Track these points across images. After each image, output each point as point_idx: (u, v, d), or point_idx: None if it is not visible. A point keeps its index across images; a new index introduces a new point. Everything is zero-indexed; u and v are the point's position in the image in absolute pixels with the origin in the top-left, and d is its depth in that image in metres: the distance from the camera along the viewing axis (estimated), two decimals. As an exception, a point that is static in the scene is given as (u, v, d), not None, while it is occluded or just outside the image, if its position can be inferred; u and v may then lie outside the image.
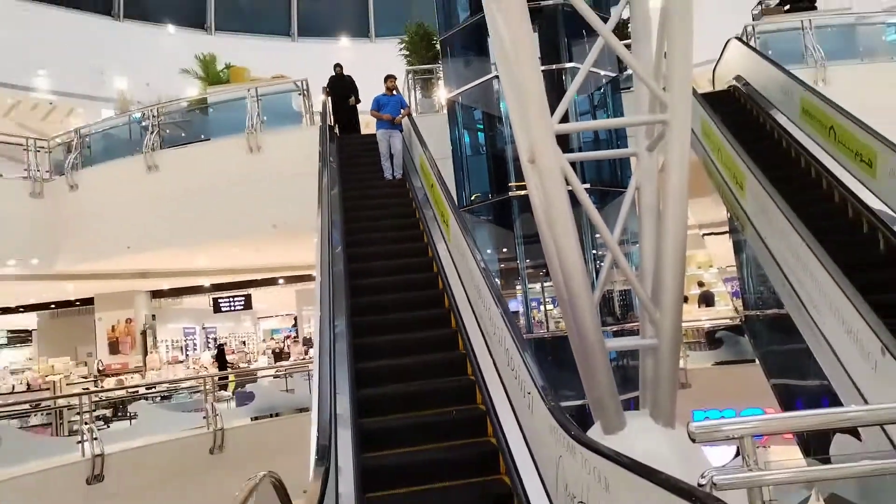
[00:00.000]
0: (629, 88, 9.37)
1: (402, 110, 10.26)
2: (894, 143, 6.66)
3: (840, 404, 5.19)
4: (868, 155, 6.88)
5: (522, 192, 9.02)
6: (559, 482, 3.58)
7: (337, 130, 11.85)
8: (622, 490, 2.74)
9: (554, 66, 9.37)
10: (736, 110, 10.13)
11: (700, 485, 2.24)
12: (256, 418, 10.28)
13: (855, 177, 7.38)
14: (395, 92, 10.51)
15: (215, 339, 23.08)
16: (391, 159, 9.96)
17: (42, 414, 10.94)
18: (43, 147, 13.01)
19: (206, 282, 18.77)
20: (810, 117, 8.29)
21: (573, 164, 5.33)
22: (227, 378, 13.45)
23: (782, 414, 5.63)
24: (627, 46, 5.59)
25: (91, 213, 12.33)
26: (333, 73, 12.06)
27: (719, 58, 11.70)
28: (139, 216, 12.00)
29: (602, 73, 9.78)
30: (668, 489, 2.29)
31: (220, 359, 17.25)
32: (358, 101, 12.05)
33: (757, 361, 9.43)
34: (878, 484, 3.21)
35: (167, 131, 12.44)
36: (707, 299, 15.91)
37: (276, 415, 10.37)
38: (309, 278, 18.41)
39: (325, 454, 3.27)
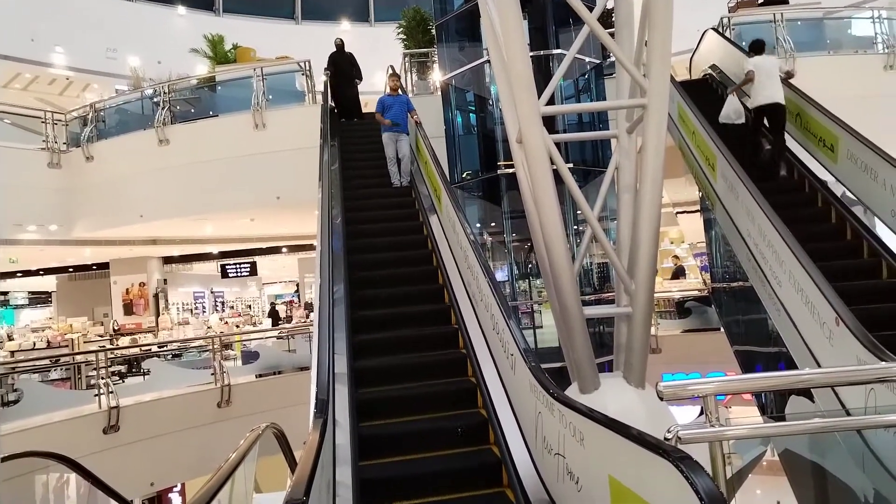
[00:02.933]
0: (612, 74, 9.30)
1: (409, 114, 9.11)
2: (855, 130, 6.67)
3: (797, 369, 5.27)
4: (830, 140, 6.88)
5: (510, 171, 9.01)
6: (538, 436, 3.63)
7: (334, 107, 11.03)
8: (595, 443, 2.78)
9: (542, 52, 9.29)
10: (710, 97, 10.08)
11: (666, 439, 2.28)
12: (261, 376, 10.33)
13: (818, 160, 7.40)
14: (399, 92, 9.28)
15: (223, 303, 23.09)
16: (398, 164, 8.85)
17: (61, 369, 10.95)
18: (60, 120, 12.85)
19: (213, 249, 18.70)
20: (779, 105, 8.25)
21: (558, 145, 5.32)
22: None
23: (742, 376, 5.70)
24: (611, 35, 5.54)
25: (106, 183, 12.22)
26: (335, 49, 11.28)
27: (696, 47, 11.60)
28: (151, 187, 11.91)
29: (587, 59, 9.70)
30: (637, 443, 2.32)
31: (273, 315, 18.35)
32: (360, 79, 11.33)
33: (722, 329, 9.54)
34: (828, 441, 3.27)
35: (178, 107, 12.28)
36: (681, 272, 16.03)
37: (279, 373, 10.42)
38: (310, 247, 18.38)
39: (324, 407, 3.30)
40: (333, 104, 11.06)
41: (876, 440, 3.02)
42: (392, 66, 11.39)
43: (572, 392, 5.05)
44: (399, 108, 8.97)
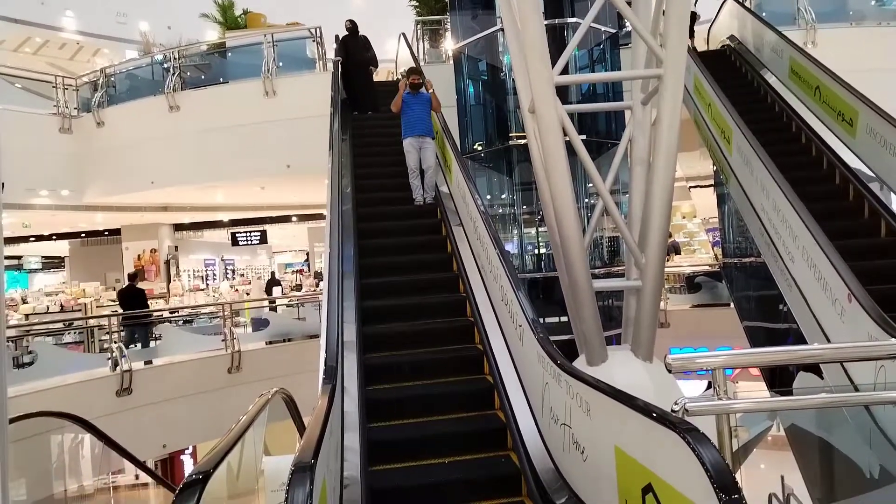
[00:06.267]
0: (628, 45, 9.14)
1: (432, 110, 7.74)
2: (875, 104, 6.54)
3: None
4: (849, 114, 6.75)
5: (522, 141, 8.93)
6: (545, 406, 3.66)
7: (344, 94, 9.67)
8: (602, 414, 2.80)
9: (556, 21, 9.12)
10: (728, 68, 9.91)
11: (673, 411, 2.29)
12: (271, 343, 10.45)
13: (836, 136, 7.28)
14: (422, 90, 7.69)
15: (234, 271, 23.25)
16: (421, 176, 7.47)
17: (75, 332, 11.11)
18: (71, 85, 12.83)
19: (224, 217, 18.77)
20: (798, 77, 8.11)
21: (571, 116, 5.25)
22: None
23: (751, 350, 5.70)
24: (628, 3, 5.43)
25: (117, 149, 12.24)
26: (346, 32, 10.14)
27: (715, 17, 11.37)
28: (162, 153, 11.92)
29: (602, 28, 9.52)
30: (644, 414, 2.34)
31: (270, 285, 17.85)
32: (375, 66, 10.34)
33: (732, 305, 9.52)
34: (835, 417, 3.28)
35: (188, 73, 12.22)
36: (674, 249, 15.92)
37: (289, 340, 10.52)
38: (320, 216, 18.41)
39: (332, 374, 3.34)
40: (345, 94, 9.82)
41: (884, 416, 3.02)
42: (404, 34, 11.21)
43: (580, 364, 5.07)
44: (421, 108, 7.57)
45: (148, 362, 8.90)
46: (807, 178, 6.97)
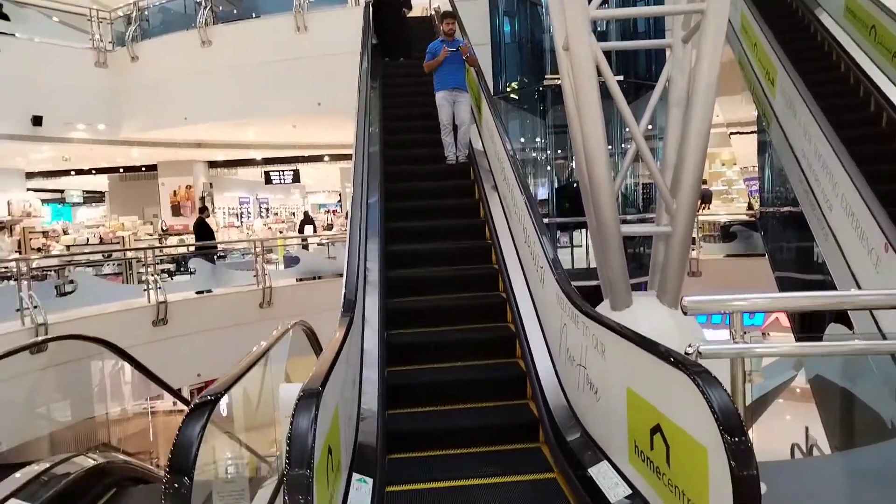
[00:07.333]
0: (672, -21, 8.69)
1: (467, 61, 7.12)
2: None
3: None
4: (906, 56, 6.37)
5: (557, 82, 8.66)
6: (562, 347, 3.67)
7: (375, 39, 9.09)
8: (616, 355, 2.79)
9: (597, -48, 8.68)
10: (778, 7, 9.37)
11: (687, 353, 2.26)
12: (301, 280, 10.63)
13: (891, 79, 6.88)
14: (455, 37, 7.25)
15: (268, 209, 23.56)
16: (455, 132, 7.00)
17: (114, 264, 11.47)
18: (105, 18, 12.83)
19: (257, 155, 18.88)
20: (853, 16, 7.63)
21: (608, 55, 5.04)
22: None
23: (774, 294, 5.56)
24: (672, -70, 5.13)
25: (151, 84, 12.31)
26: None
27: (769, -49, 10.68)
28: (194, 89, 11.95)
29: (646, -39, 9.07)
30: (655, 355, 2.31)
31: (305, 223, 18.31)
32: (409, 7, 9.70)
33: (766, 256, 9.31)
34: (860, 367, 3.21)
35: (220, 7, 12.09)
36: (705, 197, 15.48)
37: (319, 278, 10.69)
38: (351, 157, 18.34)
39: (351, 307, 3.38)
40: (375, 39, 9.26)
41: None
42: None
43: (603, 309, 5.04)
44: (455, 59, 7.06)
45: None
46: (844, 105, 6.60)
